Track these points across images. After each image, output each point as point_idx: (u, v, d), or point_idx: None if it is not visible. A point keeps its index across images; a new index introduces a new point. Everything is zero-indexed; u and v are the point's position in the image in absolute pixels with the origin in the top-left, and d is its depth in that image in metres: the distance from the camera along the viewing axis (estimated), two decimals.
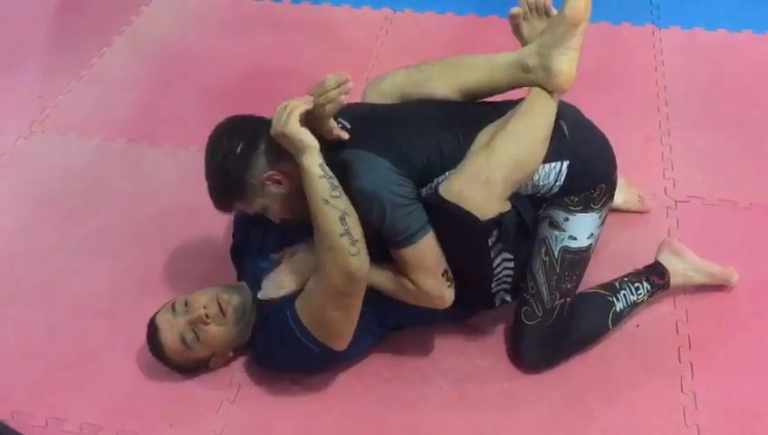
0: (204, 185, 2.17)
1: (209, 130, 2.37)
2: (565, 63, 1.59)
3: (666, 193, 2.09)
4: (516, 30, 1.71)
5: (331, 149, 1.52)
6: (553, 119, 1.60)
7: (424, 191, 1.57)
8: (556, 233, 1.66)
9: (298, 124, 1.46)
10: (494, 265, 1.60)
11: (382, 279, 1.57)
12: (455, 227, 1.52)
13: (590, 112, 1.74)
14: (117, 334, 1.83)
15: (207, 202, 2.12)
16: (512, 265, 1.61)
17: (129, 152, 2.35)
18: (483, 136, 1.59)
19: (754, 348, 1.73)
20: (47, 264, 2.01)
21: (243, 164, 1.54)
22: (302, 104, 1.48)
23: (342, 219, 1.47)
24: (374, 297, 1.58)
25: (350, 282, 1.49)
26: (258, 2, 3.00)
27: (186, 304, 1.64)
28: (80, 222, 2.12)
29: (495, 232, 1.54)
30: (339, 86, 1.48)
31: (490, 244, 1.55)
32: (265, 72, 2.63)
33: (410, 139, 1.57)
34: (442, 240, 1.54)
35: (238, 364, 1.75)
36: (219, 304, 1.63)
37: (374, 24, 2.82)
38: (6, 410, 1.68)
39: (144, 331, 1.69)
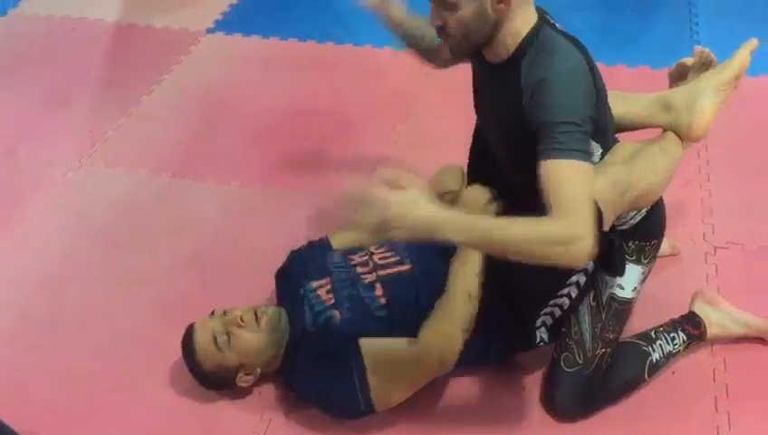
0: (245, 220, 2.25)
1: (251, 166, 2.47)
2: (710, 106, 1.66)
3: (704, 239, 2.07)
4: (679, 77, 1.79)
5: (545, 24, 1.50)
6: (676, 169, 1.66)
7: None
8: (607, 278, 1.66)
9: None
10: (565, 282, 1.61)
11: (523, 229, 1.34)
12: None
13: None
14: (154, 363, 1.86)
15: (248, 236, 2.20)
16: (575, 294, 1.62)
17: (173, 187, 2.41)
18: (619, 151, 1.62)
19: None
20: (90, 292, 2.07)
21: None
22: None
23: (472, 319, 1.55)
24: None
25: (442, 368, 1.57)
26: (303, 43, 3.08)
27: (224, 312, 1.71)
28: (123, 253, 2.18)
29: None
30: None
31: None
32: (307, 112, 2.69)
33: (606, 97, 1.59)
34: None
35: (269, 398, 1.76)
36: (255, 313, 1.69)
37: (415, 66, 2.85)
38: (48, 432, 1.72)
39: (179, 365, 1.74)
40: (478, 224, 1.35)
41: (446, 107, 2.59)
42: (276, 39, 3.11)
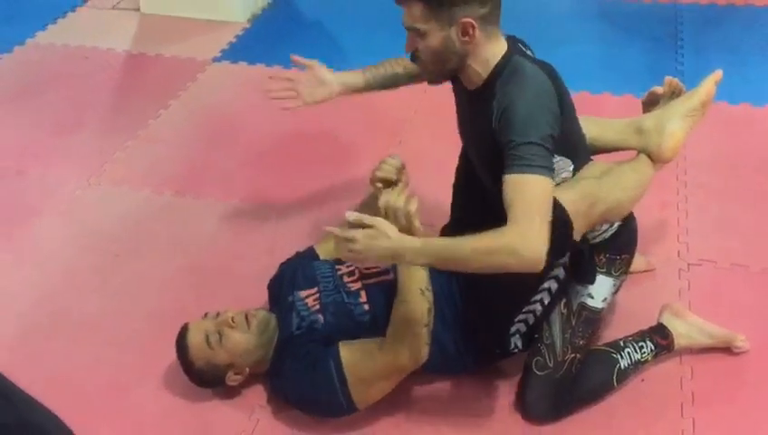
0: (242, 235, 2.36)
1: (250, 185, 2.58)
2: (679, 130, 1.78)
3: (679, 256, 2.16)
4: (651, 105, 1.91)
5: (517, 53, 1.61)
6: (647, 187, 1.76)
7: None
8: (578, 287, 1.75)
9: (418, 222, 1.57)
10: (537, 289, 1.69)
11: (473, 242, 1.45)
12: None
13: None
14: (149, 369, 1.95)
15: (244, 250, 2.31)
16: (547, 300, 1.70)
17: (174, 204, 2.53)
18: (591, 168, 1.72)
19: (757, 408, 1.76)
20: (90, 302, 2.17)
21: None
22: (413, 204, 1.58)
23: (429, 311, 1.62)
24: None
25: (414, 365, 1.64)
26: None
27: (217, 314, 1.82)
28: (123, 265, 2.29)
29: (567, 256, 1.66)
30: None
31: (558, 263, 1.66)
32: (305, 135, 2.81)
33: (574, 117, 1.70)
34: None
35: (258, 399, 1.85)
36: (246, 316, 1.79)
37: (410, 93, 2.97)
38: None
39: (173, 370, 1.83)
40: (430, 246, 1.50)
41: (437, 132, 2.69)
42: (279, 67, 3.24)
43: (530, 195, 1.46)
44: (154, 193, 2.58)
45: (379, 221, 1.51)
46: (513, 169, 1.49)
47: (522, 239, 1.42)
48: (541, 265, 1.43)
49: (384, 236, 1.49)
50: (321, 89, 2.00)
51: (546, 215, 1.46)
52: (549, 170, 1.50)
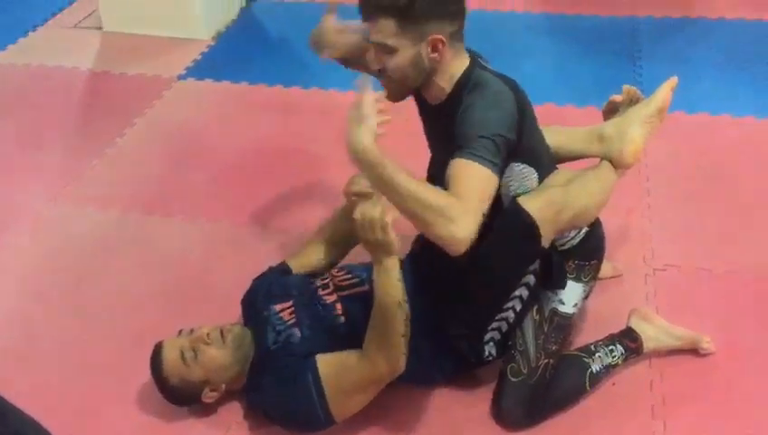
0: (211, 253, 2.35)
1: (219, 201, 2.58)
2: (638, 136, 1.82)
3: (644, 261, 2.21)
4: (611, 113, 1.95)
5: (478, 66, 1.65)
6: (611, 193, 1.81)
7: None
8: (549, 294, 1.79)
9: (393, 233, 1.57)
10: (509, 296, 1.71)
11: (421, 188, 1.46)
12: (514, 235, 1.63)
13: None
14: (122, 390, 1.93)
15: (214, 269, 2.30)
16: (519, 307, 1.73)
17: (142, 223, 2.51)
18: (556, 176, 1.76)
19: (725, 407, 1.81)
20: (61, 324, 2.15)
21: (432, 6, 1.54)
22: (389, 215, 1.55)
23: (406, 322, 1.63)
24: None
25: (392, 375, 1.65)
26: (271, 88, 3.23)
27: (191, 331, 1.81)
28: (92, 287, 2.26)
29: (537, 263, 1.69)
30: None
31: (528, 270, 1.69)
32: (273, 152, 2.82)
33: (535, 127, 1.73)
34: (493, 246, 1.62)
35: (235, 416, 1.84)
36: (221, 331, 1.79)
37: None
38: None
39: (148, 389, 1.82)
40: (389, 167, 1.45)
41: (404, 143, 2.70)
42: (245, 84, 3.26)
43: (473, 180, 1.49)
44: (121, 213, 2.56)
45: (364, 109, 1.45)
46: (459, 155, 1.51)
47: (462, 213, 1.42)
48: (463, 248, 1.42)
49: (358, 131, 1.44)
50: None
51: (484, 203, 1.48)
52: (494, 165, 1.52)
